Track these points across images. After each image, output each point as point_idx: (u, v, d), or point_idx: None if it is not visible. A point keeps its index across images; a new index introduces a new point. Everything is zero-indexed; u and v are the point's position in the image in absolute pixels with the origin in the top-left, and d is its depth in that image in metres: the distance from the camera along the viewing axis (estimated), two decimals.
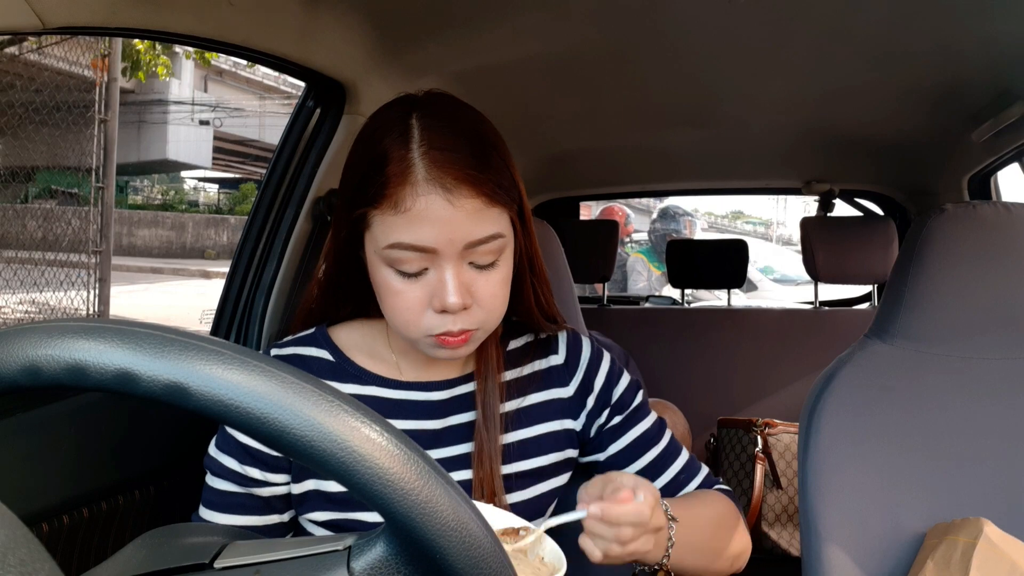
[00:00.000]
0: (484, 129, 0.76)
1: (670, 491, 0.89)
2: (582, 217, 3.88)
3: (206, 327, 1.38)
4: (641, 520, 0.67)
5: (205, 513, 0.81)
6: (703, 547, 0.83)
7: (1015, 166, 1.76)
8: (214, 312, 1.25)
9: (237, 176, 18.92)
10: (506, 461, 0.83)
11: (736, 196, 11.30)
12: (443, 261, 0.72)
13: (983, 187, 1.93)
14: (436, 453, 0.82)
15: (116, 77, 5.50)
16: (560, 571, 0.65)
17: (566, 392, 0.89)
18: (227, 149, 15.90)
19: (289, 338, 0.87)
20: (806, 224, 2.40)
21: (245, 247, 1.23)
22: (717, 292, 3.91)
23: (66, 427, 0.90)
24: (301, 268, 1.24)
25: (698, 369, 2.45)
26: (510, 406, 0.85)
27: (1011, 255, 1.02)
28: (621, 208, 5.56)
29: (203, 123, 13.93)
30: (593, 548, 0.68)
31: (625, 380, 0.91)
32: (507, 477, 0.82)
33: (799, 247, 2.51)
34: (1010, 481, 0.97)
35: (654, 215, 5.12)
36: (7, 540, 0.28)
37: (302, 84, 1.26)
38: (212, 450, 0.81)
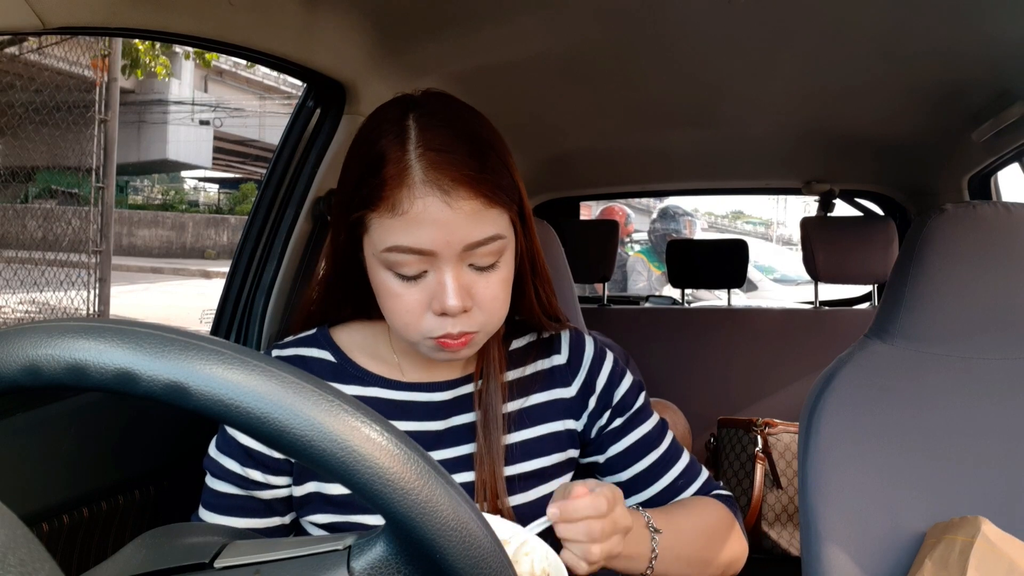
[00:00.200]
0: (482, 129, 0.75)
1: (667, 496, 0.89)
2: (582, 217, 3.88)
3: (206, 327, 1.39)
4: (599, 510, 0.68)
5: (205, 515, 0.81)
6: (691, 557, 0.83)
7: (1015, 166, 1.76)
8: (214, 312, 1.25)
9: (237, 176, 18.93)
10: (509, 462, 0.83)
11: (736, 196, 11.30)
12: (442, 263, 0.71)
13: (983, 187, 1.93)
14: (438, 454, 0.82)
15: (116, 77, 5.50)
16: None
17: (568, 392, 0.88)
18: (227, 149, 15.90)
19: (290, 339, 0.87)
20: (806, 224, 2.40)
21: (245, 247, 1.23)
22: (717, 292, 3.91)
23: (66, 427, 0.90)
24: (301, 268, 1.24)
25: (698, 369, 2.44)
26: (512, 406, 0.85)
27: (1011, 255, 1.02)
28: (621, 208, 5.55)
29: (203, 123, 13.93)
30: (575, 559, 0.68)
31: (627, 381, 0.91)
32: (509, 479, 0.82)
33: (799, 247, 2.51)
34: (1010, 481, 0.97)
35: (654, 215, 5.11)
36: (7, 540, 0.28)
37: (302, 84, 1.26)
38: (212, 451, 0.81)
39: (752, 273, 5.18)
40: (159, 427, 1.03)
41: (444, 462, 0.81)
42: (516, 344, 0.89)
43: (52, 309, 5.39)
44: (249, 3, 0.96)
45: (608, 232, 2.55)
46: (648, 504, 0.87)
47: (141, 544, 0.46)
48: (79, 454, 0.91)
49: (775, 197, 19.70)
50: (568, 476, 0.88)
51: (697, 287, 2.81)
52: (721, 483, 0.95)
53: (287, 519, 0.83)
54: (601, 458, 0.90)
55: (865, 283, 2.48)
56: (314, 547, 0.42)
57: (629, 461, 0.89)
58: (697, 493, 0.91)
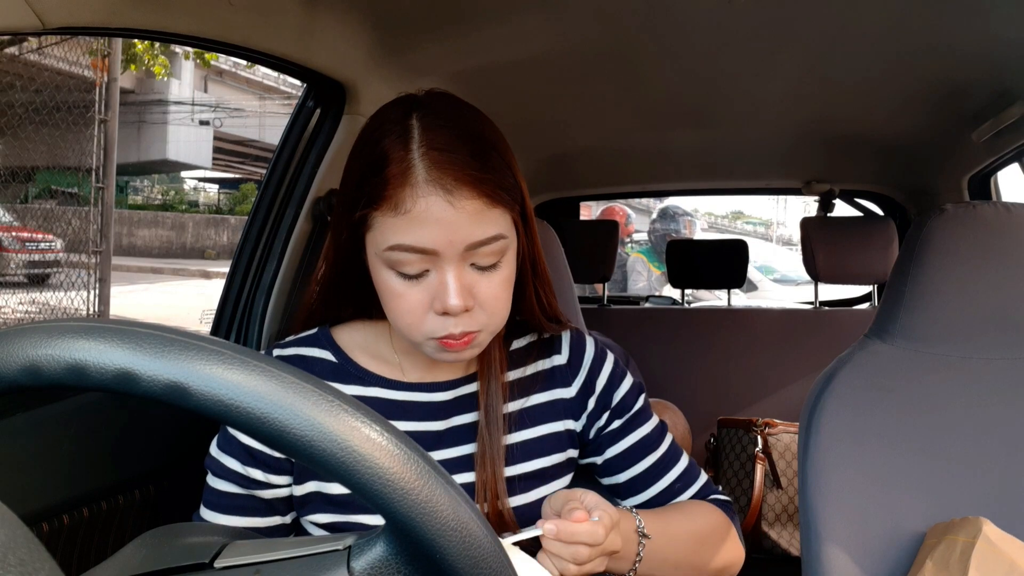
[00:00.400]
0: (485, 129, 0.75)
1: (664, 499, 0.89)
2: (582, 217, 3.88)
3: (206, 327, 1.38)
4: (595, 540, 0.68)
5: (206, 514, 0.81)
6: (681, 561, 0.83)
7: (1015, 166, 1.76)
8: (214, 312, 1.25)
9: (237, 176, 18.93)
10: (509, 463, 0.82)
11: (736, 196, 11.30)
12: (444, 263, 0.71)
13: (983, 187, 1.93)
14: (439, 454, 0.82)
15: (116, 77, 5.51)
16: None
17: (568, 392, 0.88)
18: (227, 149, 15.91)
19: (291, 338, 0.87)
20: (806, 224, 2.40)
21: (245, 247, 1.23)
22: (717, 292, 3.91)
23: (66, 427, 0.90)
24: (301, 268, 1.24)
25: (698, 369, 2.44)
26: (513, 407, 0.85)
27: (1011, 255, 1.02)
28: (621, 208, 5.55)
29: (203, 123, 13.94)
30: (551, 566, 0.69)
31: (627, 383, 0.90)
32: (510, 480, 0.82)
33: (799, 247, 2.51)
34: (1010, 481, 0.97)
35: (654, 215, 5.11)
36: (7, 540, 0.28)
37: (302, 84, 1.26)
38: (214, 451, 0.81)
39: (752, 273, 5.18)
40: (159, 427, 1.03)
41: (444, 462, 0.81)
42: (517, 344, 0.89)
43: (52, 309, 5.39)
44: (249, 3, 0.96)
45: (608, 232, 2.55)
46: (644, 507, 0.87)
47: (141, 544, 0.46)
48: (79, 454, 0.91)
49: (775, 197, 19.71)
50: (568, 476, 0.88)
51: (697, 287, 2.81)
52: (720, 487, 0.94)
53: (288, 519, 0.83)
54: (599, 459, 0.90)
55: (865, 283, 2.48)
56: (314, 547, 0.42)
57: (627, 463, 0.89)
58: (695, 497, 0.90)
